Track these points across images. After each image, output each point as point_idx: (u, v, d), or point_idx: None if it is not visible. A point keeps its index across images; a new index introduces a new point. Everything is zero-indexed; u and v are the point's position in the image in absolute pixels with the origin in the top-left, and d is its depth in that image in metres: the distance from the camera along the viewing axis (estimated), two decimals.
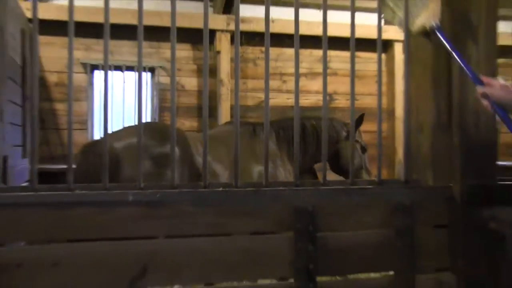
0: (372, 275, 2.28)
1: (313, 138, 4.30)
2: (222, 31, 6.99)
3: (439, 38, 2.20)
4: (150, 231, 2.01)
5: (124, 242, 2.00)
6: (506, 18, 2.30)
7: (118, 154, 3.68)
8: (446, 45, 2.18)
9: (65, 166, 2.05)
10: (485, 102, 2.00)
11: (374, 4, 2.38)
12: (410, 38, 2.43)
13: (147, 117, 7.06)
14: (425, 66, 2.41)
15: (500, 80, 2.06)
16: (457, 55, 2.15)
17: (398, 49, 7.37)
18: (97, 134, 6.93)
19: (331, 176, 3.98)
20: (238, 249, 2.08)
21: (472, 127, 2.34)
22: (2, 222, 1.88)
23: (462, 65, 2.13)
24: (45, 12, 5.83)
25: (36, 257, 1.89)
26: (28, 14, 5.40)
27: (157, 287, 2.02)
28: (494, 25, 2.39)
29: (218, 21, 6.94)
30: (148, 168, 3.50)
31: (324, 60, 2.31)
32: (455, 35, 2.33)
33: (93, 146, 4.20)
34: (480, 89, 2.01)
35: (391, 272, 2.24)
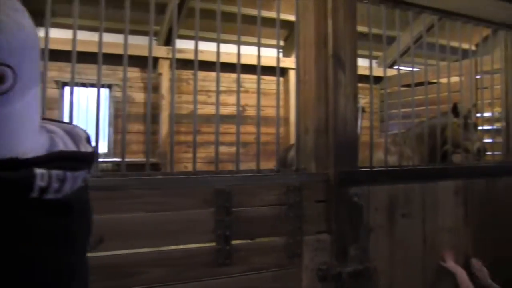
0: (272, 238, 2.29)
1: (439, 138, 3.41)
2: (163, 58, 6.87)
3: None
4: (107, 209, 1.93)
5: None
6: (362, 56, 2.47)
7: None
8: None
9: None
10: None
11: (275, 42, 2.40)
12: (300, 68, 2.47)
13: (104, 123, 6.84)
14: (310, 86, 2.45)
15: None
16: None
17: (292, 74, 7.50)
18: None
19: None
20: (176, 221, 2.03)
21: (341, 131, 2.41)
22: None
23: None
24: None
25: None
26: None
27: (114, 250, 1.93)
28: (355, 61, 2.50)
29: (160, 51, 6.81)
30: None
31: (238, 81, 2.31)
32: (333, 67, 2.40)
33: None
34: None
35: (286, 236, 2.27)
